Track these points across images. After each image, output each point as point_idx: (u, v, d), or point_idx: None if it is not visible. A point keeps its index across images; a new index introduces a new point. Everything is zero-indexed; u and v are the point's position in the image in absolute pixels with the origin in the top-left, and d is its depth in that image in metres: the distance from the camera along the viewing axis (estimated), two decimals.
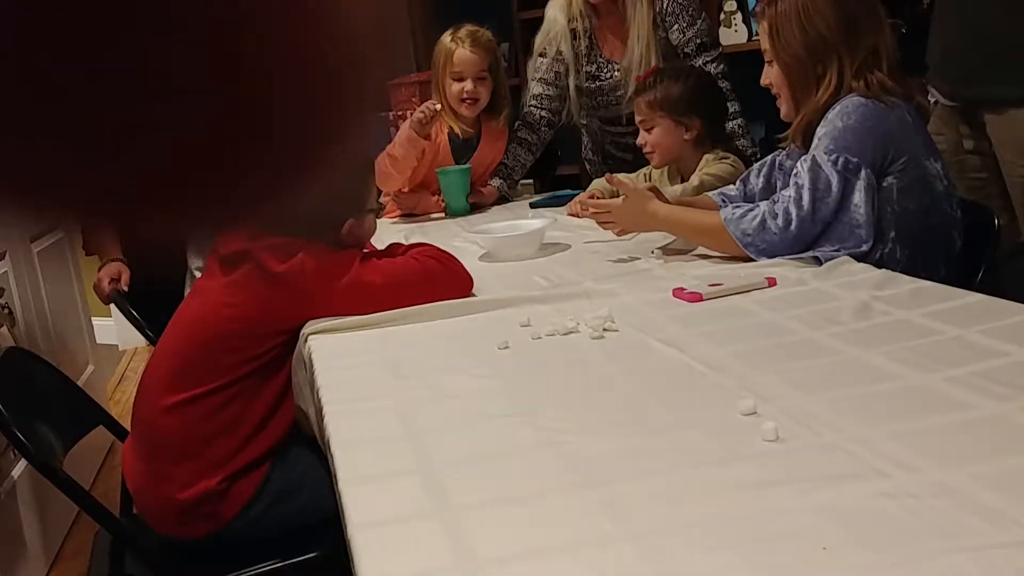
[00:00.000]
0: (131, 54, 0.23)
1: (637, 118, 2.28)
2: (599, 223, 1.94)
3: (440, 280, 1.64)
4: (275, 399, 1.60)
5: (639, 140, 2.29)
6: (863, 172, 1.62)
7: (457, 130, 2.64)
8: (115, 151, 0.25)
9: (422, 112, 2.47)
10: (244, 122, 0.26)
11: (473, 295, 1.67)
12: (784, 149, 1.88)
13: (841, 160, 1.62)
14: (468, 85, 2.58)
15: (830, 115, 1.67)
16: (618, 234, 1.92)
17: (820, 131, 1.67)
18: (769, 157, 1.96)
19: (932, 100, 2.05)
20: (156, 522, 1.60)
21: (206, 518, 1.55)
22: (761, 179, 1.94)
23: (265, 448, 1.59)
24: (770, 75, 1.77)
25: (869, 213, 1.61)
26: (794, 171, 1.68)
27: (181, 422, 1.57)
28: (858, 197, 1.61)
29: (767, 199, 1.74)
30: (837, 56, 1.67)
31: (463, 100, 2.59)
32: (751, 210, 1.68)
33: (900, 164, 1.64)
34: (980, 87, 1.94)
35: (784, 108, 1.77)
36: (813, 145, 1.67)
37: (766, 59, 1.77)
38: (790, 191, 1.65)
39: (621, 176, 2.38)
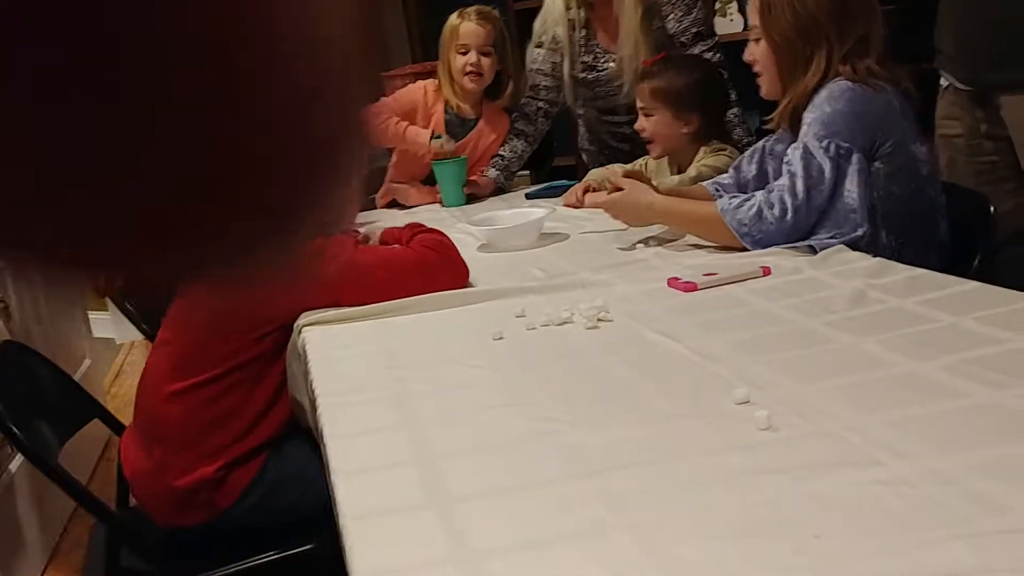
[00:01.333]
0: (110, 107, 0.23)
1: (639, 104, 2.27)
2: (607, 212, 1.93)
3: (435, 270, 1.64)
4: (274, 389, 1.61)
5: (638, 125, 2.29)
6: (855, 157, 1.62)
7: (455, 105, 2.65)
8: (98, 197, 0.24)
9: (443, 146, 2.57)
10: (238, 167, 0.25)
11: (470, 285, 1.67)
12: (773, 135, 1.88)
13: (833, 146, 1.62)
14: (472, 57, 2.59)
15: (817, 100, 1.66)
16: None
17: (808, 116, 1.66)
18: (759, 143, 1.95)
19: (945, 84, 2.04)
20: (153, 510, 1.61)
21: (202, 506, 1.56)
22: (753, 166, 1.94)
23: (263, 438, 1.60)
24: (755, 52, 1.77)
25: (862, 197, 1.61)
26: (786, 159, 1.67)
27: (182, 410, 1.58)
28: (851, 182, 1.61)
29: (761, 186, 1.74)
30: (827, 41, 1.67)
31: (467, 73, 2.60)
32: (747, 200, 1.68)
33: (887, 148, 1.65)
34: (998, 71, 1.93)
35: (765, 87, 1.78)
36: (802, 132, 1.66)
37: (752, 36, 1.77)
38: (784, 180, 1.64)
39: (616, 167, 2.39)
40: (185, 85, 0.23)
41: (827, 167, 1.61)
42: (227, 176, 0.25)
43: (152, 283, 0.28)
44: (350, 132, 0.28)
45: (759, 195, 1.67)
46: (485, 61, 2.60)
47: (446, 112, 2.68)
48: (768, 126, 1.86)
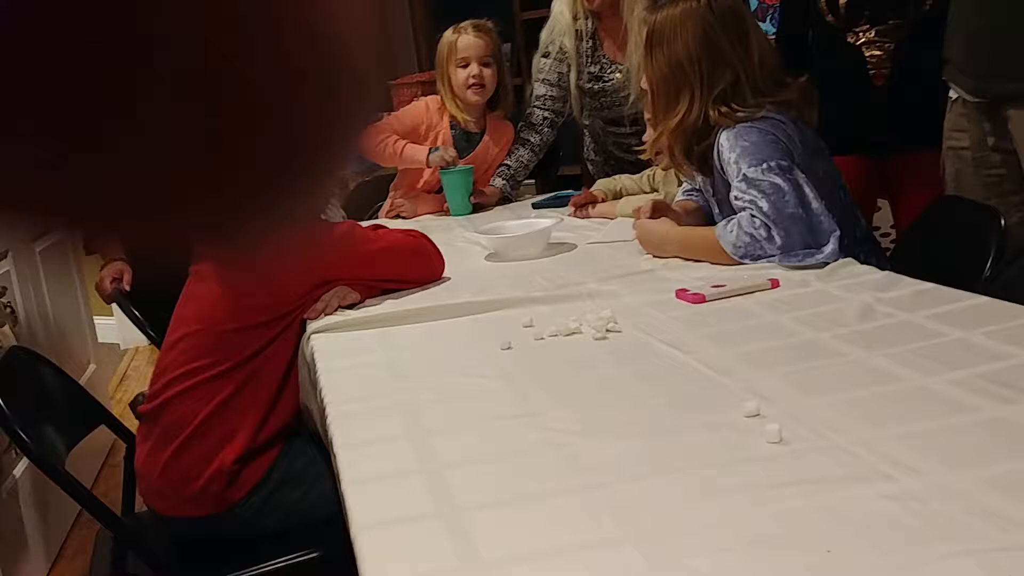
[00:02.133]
0: (114, 60, 0.23)
1: (646, 115, 2.29)
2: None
3: (416, 258, 1.77)
4: (280, 384, 1.64)
5: (645, 136, 2.30)
6: (795, 170, 1.65)
7: (461, 120, 2.65)
8: (100, 158, 0.24)
9: (443, 158, 2.57)
10: (238, 128, 0.25)
11: (475, 298, 1.67)
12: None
13: (774, 164, 1.65)
14: (474, 69, 2.59)
15: (723, 149, 1.72)
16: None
17: (728, 156, 1.71)
18: None
19: (954, 96, 2.04)
20: (161, 501, 1.63)
21: (213, 496, 1.58)
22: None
23: (273, 431, 1.62)
24: (644, 87, 1.88)
25: (820, 201, 1.64)
26: (735, 196, 1.69)
27: (198, 404, 1.60)
28: (806, 190, 1.63)
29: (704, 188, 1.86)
30: (691, 86, 1.75)
31: (470, 86, 2.60)
32: (737, 225, 1.68)
33: (797, 162, 1.69)
34: (1006, 83, 1.92)
35: (648, 114, 1.90)
36: (732, 172, 1.70)
37: (643, 72, 1.87)
38: (747, 206, 1.65)
39: (622, 177, 2.42)
40: (184, 45, 0.23)
41: (779, 181, 1.64)
42: (220, 142, 0.25)
43: (150, 248, 0.28)
44: (352, 121, 0.28)
45: (744, 221, 1.66)
46: (487, 72, 2.61)
47: (452, 128, 2.68)
48: (642, 157, 2.01)
